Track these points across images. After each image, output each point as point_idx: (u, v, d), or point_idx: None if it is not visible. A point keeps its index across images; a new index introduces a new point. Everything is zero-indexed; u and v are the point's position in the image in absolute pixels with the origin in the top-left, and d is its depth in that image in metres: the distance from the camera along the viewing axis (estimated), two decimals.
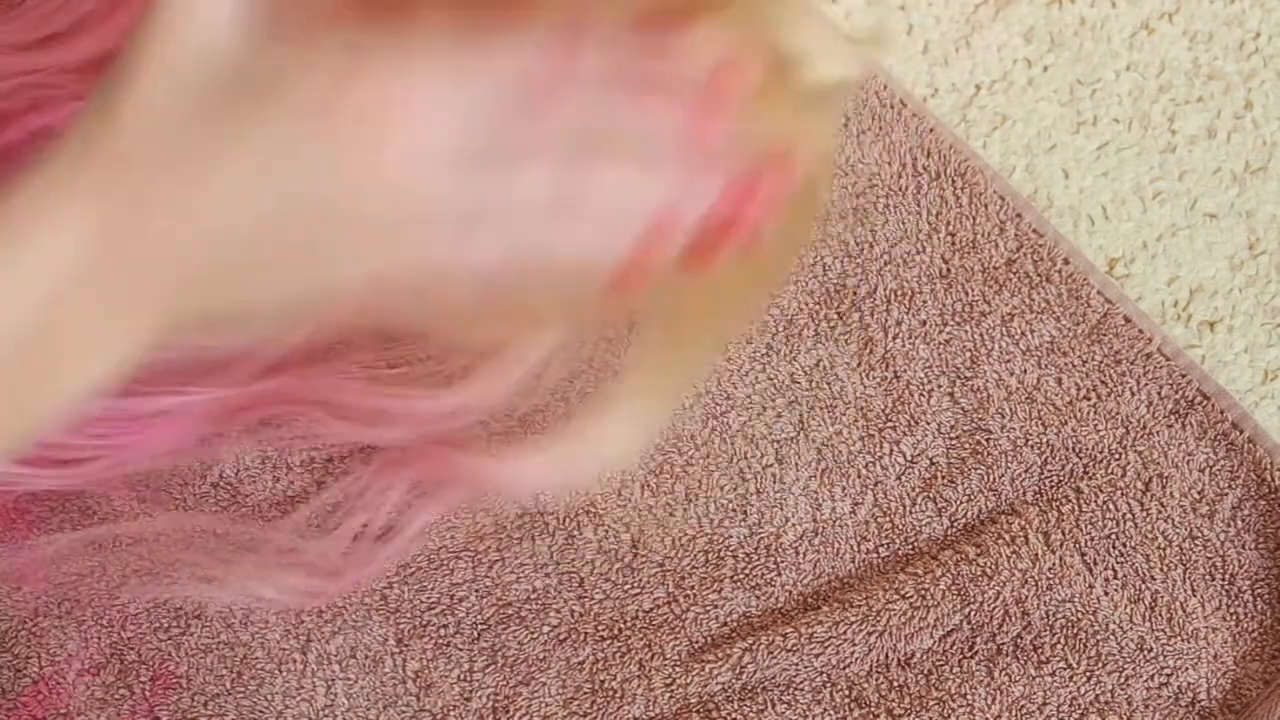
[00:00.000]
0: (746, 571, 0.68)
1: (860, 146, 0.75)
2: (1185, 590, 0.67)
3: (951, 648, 0.67)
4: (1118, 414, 0.70)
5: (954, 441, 0.70)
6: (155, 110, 0.39)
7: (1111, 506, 0.69)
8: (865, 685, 0.66)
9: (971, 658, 0.66)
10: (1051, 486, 0.69)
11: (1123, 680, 0.66)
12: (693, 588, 0.68)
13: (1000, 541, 0.68)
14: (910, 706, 0.65)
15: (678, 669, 0.66)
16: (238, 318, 0.43)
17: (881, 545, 0.69)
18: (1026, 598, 0.67)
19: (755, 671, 0.65)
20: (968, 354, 0.72)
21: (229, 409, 0.62)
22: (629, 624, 0.67)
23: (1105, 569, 0.68)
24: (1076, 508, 0.69)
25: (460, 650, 0.66)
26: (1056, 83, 0.79)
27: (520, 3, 0.41)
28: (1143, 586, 0.67)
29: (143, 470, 0.64)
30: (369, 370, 0.62)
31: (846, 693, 0.66)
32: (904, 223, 0.74)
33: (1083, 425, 0.70)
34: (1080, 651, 0.66)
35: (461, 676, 0.66)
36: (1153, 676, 0.66)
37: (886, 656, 0.66)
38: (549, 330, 0.58)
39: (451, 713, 0.65)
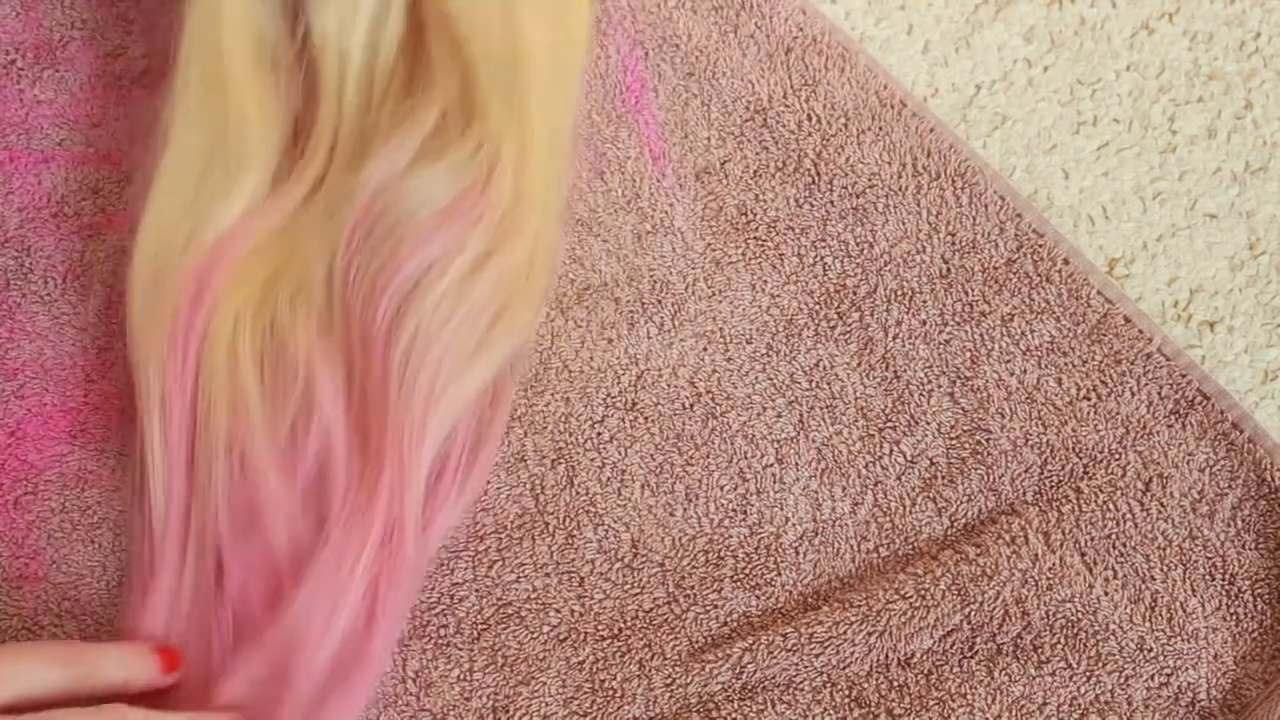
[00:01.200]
0: (746, 571, 0.68)
1: (860, 146, 0.75)
2: (1185, 590, 0.68)
3: (951, 648, 0.67)
4: (1118, 414, 0.70)
5: (954, 441, 0.70)
6: None
7: (1111, 506, 0.69)
8: (865, 685, 0.66)
9: (971, 658, 0.66)
10: (1051, 486, 0.69)
11: (1123, 680, 0.66)
12: (693, 588, 0.68)
13: (1000, 541, 0.68)
14: (910, 706, 0.65)
15: (678, 669, 0.66)
16: None
17: (881, 545, 0.69)
18: (1026, 598, 0.67)
19: (755, 671, 0.65)
20: (968, 354, 0.72)
21: None
22: (629, 624, 0.67)
23: (1105, 569, 0.68)
24: (1076, 508, 0.69)
25: (460, 650, 0.66)
26: (1056, 83, 0.79)
27: None
28: (1143, 586, 0.67)
29: None
30: None
31: (846, 693, 0.66)
32: (904, 223, 0.74)
33: (1083, 425, 0.70)
34: (1080, 651, 0.66)
35: (461, 676, 0.66)
36: (1153, 676, 0.66)
37: (886, 656, 0.66)
38: None
39: (451, 713, 0.65)
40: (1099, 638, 0.67)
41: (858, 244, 0.73)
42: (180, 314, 0.66)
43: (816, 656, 0.66)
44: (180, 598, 0.63)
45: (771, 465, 0.70)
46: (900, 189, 0.74)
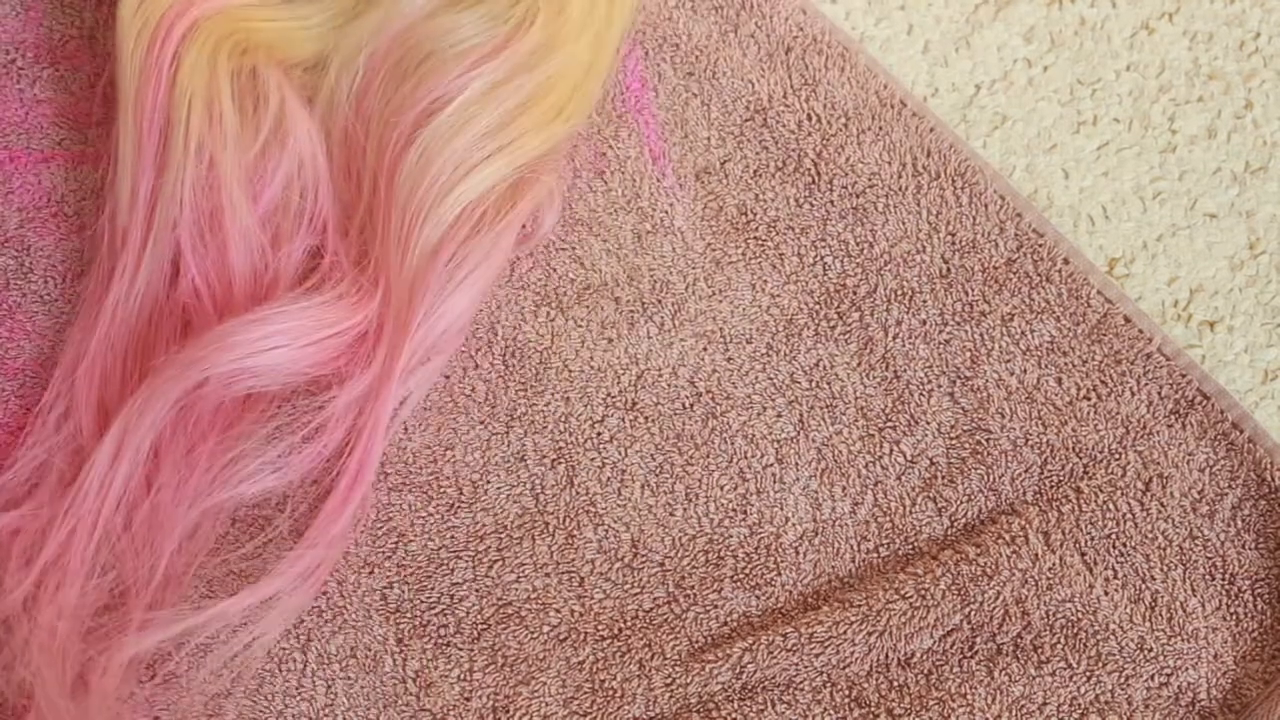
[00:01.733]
0: (746, 571, 0.68)
1: (860, 146, 0.75)
2: (1185, 590, 0.68)
3: (951, 648, 0.67)
4: (1118, 414, 0.70)
5: (954, 441, 0.70)
6: None
7: (1111, 506, 0.69)
8: (865, 685, 0.66)
9: (971, 658, 0.66)
10: (1051, 486, 0.69)
11: (1123, 680, 0.66)
12: (693, 588, 0.68)
13: (1000, 541, 0.68)
14: (910, 706, 0.65)
15: (678, 669, 0.66)
16: None
17: (881, 545, 0.69)
18: (1026, 598, 0.67)
19: (755, 671, 0.65)
20: (968, 354, 0.72)
21: None
22: (629, 624, 0.67)
23: (1105, 569, 0.68)
24: (1076, 508, 0.69)
25: (460, 650, 0.66)
26: (1056, 83, 0.79)
27: None
28: (1143, 586, 0.68)
29: None
30: None
31: (846, 693, 0.66)
32: (904, 222, 0.74)
33: (1083, 425, 0.70)
34: (1080, 651, 0.66)
35: (461, 676, 0.66)
36: (1153, 676, 0.66)
37: (886, 656, 0.66)
38: None
39: (451, 713, 0.65)
40: (1099, 638, 0.67)
41: (858, 244, 0.73)
42: (164, 22, 0.68)
43: (816, 656, 0.66)
44: (135, 287, 0.67)
45: (771, 465, 0.70)
46: (900, 189, 0.74)
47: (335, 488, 0.66)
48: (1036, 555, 0.68)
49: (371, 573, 0.67)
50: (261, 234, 0.68)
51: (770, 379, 0.71)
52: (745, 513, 0.69)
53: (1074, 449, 0.70)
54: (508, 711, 0.65)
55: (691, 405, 0.71)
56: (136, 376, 0.66)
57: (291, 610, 0.64)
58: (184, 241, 0.67)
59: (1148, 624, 0.67)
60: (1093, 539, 0.68)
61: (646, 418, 0.70)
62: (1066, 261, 0.73)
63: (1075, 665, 0.66)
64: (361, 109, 0.71)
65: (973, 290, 0.73)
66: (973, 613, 0.67)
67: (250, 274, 0.68)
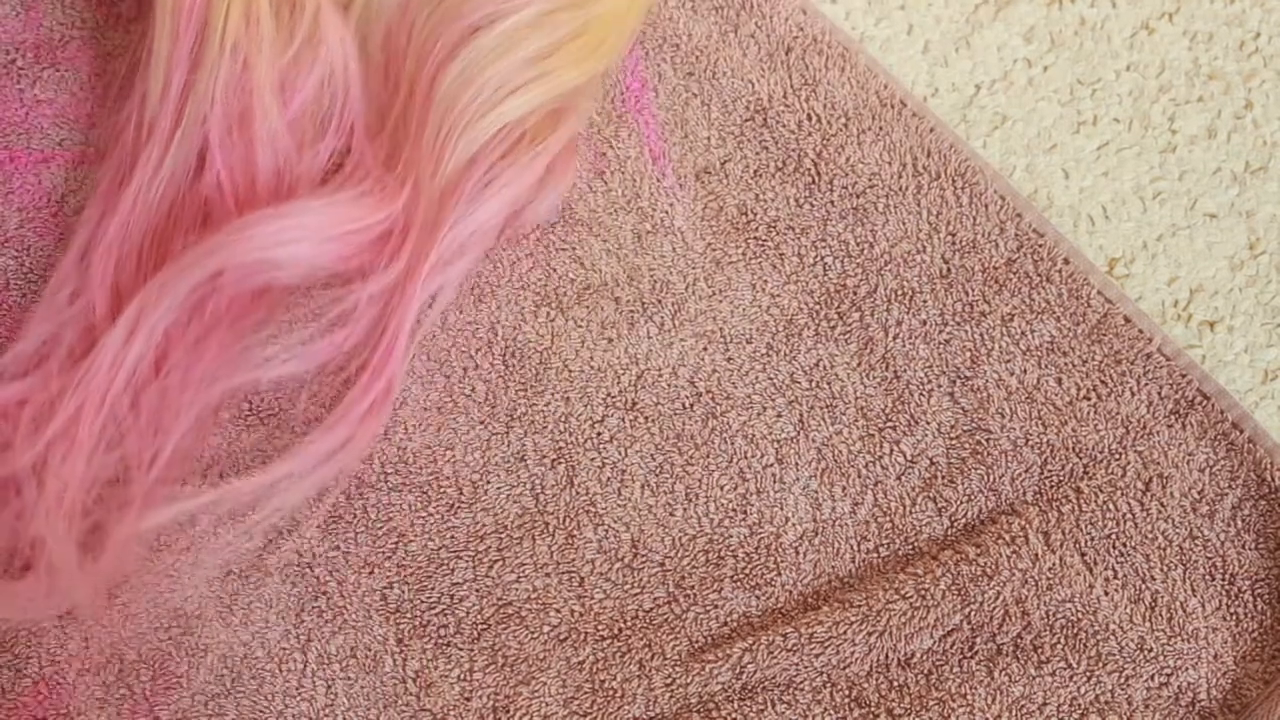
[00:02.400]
0: (746, 571, 0.68)
1: (860, 146, 0.75)
2: (1185, 590, 0.68)
3: (951, 648, 0.67)
4: (1118, 414, 0.70)
5: (954, 441, 0.70)
6: None
7: (1111, 506, 0.69)
8: (865, 685, 0.66)
9: (971, 658, 0.66)
10: (1051, 486, 0.69)
11: (1123, 680, 0.66)
12: (693, 588, 0.68)
13: (1000, 541, 0.68)
14: (910, 706, 0.65)
15: (678, 669, 0.66)
16: None
17: (881, 545, 0.69)
18: (1026, 598, 0.67)
19: (755, 671, 0.65)
20: (968, 354, 0.72)
21: None
22: (629, 624, 0.67)
23: (1105, 569, 0.68)
24: (1076, 508, 0.69)
25: (460, 650, 0.66)
26: (1056, 83, 0.79)
27: None
28: (1143, 586, 0.68)
29: None
30: None
31: (846, 693, 0.66)
32: (904, 222, 0.74)
33: (1083, 425, 0.70)
34: (1080, 651, 0.66)
35: (461, 676, 0.66)
36: (1153, 676, 0.66)
37: (886, 656, 0.66)
38: None
39: (451, 713, 0.65)
40: (1099, 638, 0.67)
41: (858, 244, 0.73)
42: None
43: (816, 656, 0.66)
44: (159, 176, 0.68)
45: (771, 465, 0.70)
46: (900, 189, 0.74)
47: (364, 369, 0.66)
48: (1036, 555, 0.68)
49: (371, 573, 0.67)
50: (289, 137, 0.69)
51: (770, 379, 0.71)
52: (745, 513, 0.69)
53: (1074, 449, 0.70)
54: (508, 711, 0.65)
55: (691, 405, 0.71)
56: (153, 264, 0.67)
57: (312, 485, 0.65)
58: (212, 136, 0.68)
59: (1148, 624, 0.67)
60: (1093, 539, 0.68)
61: (646, 418, 0.70)
62: (1066, 261, 0.73)
63: (1075, 665, 0.66)
64: (407, 12, 0.71)
65: (973, 290, 0.73)
66: (973, 613, 0.67)
67: (274, 174, 0.69)
